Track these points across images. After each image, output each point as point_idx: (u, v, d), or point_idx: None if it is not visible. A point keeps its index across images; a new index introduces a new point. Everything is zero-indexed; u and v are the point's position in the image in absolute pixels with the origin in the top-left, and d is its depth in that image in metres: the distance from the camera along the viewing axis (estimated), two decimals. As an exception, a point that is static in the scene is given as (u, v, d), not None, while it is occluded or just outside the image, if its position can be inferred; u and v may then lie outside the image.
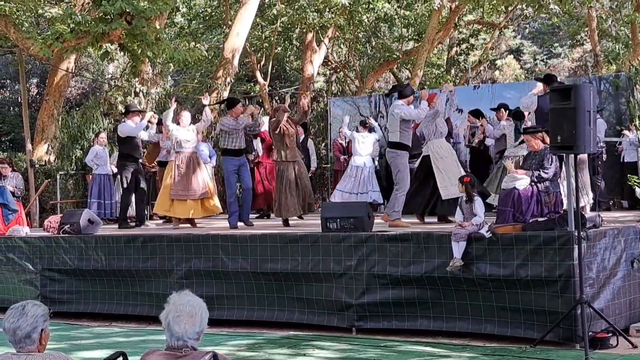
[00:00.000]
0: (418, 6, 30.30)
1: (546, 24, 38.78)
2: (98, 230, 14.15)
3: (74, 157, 21.41)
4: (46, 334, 4.64)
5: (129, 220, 16.34)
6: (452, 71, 34.19)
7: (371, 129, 17.96)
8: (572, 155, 9.95)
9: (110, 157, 18.85)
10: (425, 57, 28.53)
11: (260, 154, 18.19)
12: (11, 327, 4.56)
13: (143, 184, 16.03)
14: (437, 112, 13.43)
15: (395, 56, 30.91)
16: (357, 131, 17.95)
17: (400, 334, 10.80)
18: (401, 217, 13.15)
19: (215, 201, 15.39)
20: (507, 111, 15.29)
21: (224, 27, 30.33)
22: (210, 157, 18.50)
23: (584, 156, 11.98)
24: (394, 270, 10.85)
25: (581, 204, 11.29)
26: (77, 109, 26.43)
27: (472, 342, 10.25)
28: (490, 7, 29.27)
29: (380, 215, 14.40)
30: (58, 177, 20.70)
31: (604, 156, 16.10)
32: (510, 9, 30.11)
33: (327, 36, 29.89)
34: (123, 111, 18.11)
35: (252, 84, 32.33)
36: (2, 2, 20.46)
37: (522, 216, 10.94)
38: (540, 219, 10.55)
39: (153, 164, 18.15)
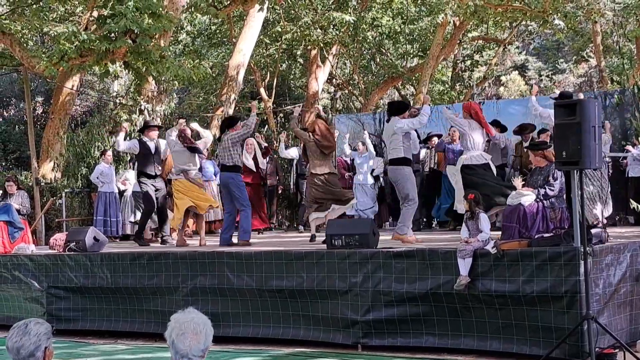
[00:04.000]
0: (422, 20, 30.37)
1: (551, 39, 38.83)
2: (103, 248, 14.15)
3: (79, 175, 21.43)
4: (50, 351, 4.63)
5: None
6: (457, 87, 34.23)
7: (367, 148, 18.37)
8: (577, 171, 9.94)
9: (116, 175, 18.88)
10: (430, 74, 28.58)
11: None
12: (14, 346, 4.54)
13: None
14: (469, 124, 13.21)
15: (399, 73, 30.95)
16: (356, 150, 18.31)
17: (405, 351, 10.76)
18: (409, 233, 13.10)
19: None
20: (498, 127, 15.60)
21: (228, 45, 30.43)
22: (215, 174, 18.52)
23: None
24: (399, 287, 10.82)
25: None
26: (82, 127, 26.47)
27: (477, 359, 10.22)
28: (495, 23, 29.32)
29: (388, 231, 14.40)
30: (63, 195, 20.71)
31: (610, 171, 16.09)
32: (514, 24, 30.18)
33: (332, 53, 29.96)
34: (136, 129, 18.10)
35: (256, 101, 32.38)
36: (8, 21, 20.54)
37: (528, 232, 10.91)
38: (546, 235, 10.52)
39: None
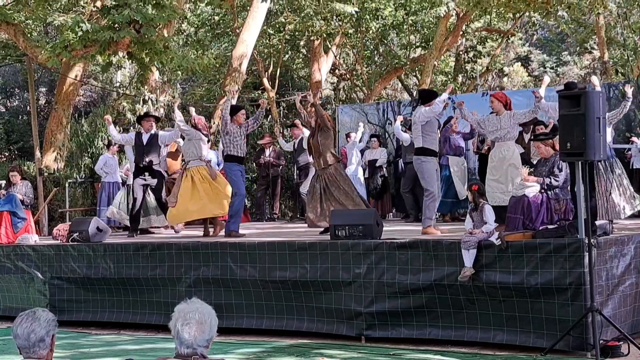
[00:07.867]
0: (425, 12, 30.29)
1: (554, 31, 38.72)
2: (106, 238, 14.13)
3: (82, 165, 21.44)
4: (54, 340, 4.65)
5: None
6: (460, 78, 34.14)
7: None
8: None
9: (119, 165, 18.86)
10: (433, 64, 28.52)
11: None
12: (25, 331, 4.55)
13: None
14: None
15: (402, 63, 30.89)
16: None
17: (409, 343, 10.76)
18: (433, 225, 12.87)
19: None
20: None
21: (232, 35, 30.39)
22: (218, 164, 18.50)
23: None
24: (403, 278, 10.81)
25: None
26: (86, 117, 26.46)
27: (481, 350, 10.21)
28: (498, 14, 29.23)
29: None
30: (67, 185, 20.71)
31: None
32: (518, 16, 30.08)
33: (335, 43, 29.92)
34: (135, 119, 18.13)
35: (259, 92, 32.34)
36: (12, 11, 20.50)
37: (532, 224, 10.89)
38: (550, 227, 10.51)
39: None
